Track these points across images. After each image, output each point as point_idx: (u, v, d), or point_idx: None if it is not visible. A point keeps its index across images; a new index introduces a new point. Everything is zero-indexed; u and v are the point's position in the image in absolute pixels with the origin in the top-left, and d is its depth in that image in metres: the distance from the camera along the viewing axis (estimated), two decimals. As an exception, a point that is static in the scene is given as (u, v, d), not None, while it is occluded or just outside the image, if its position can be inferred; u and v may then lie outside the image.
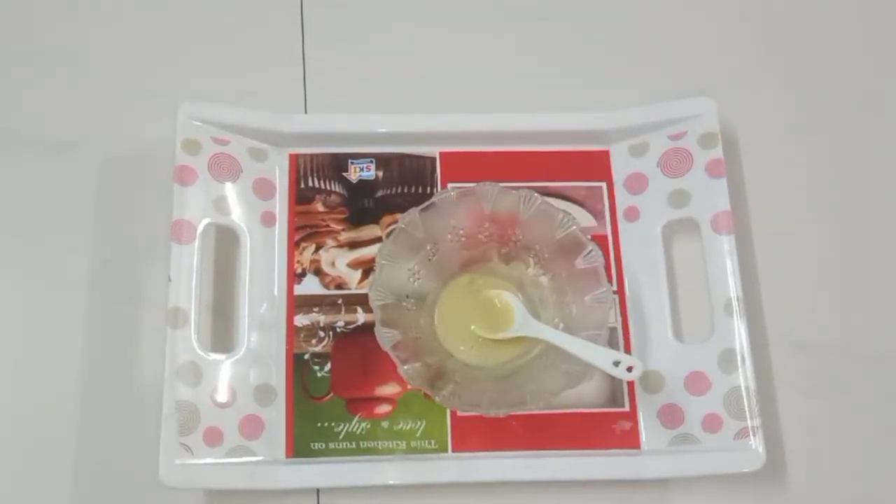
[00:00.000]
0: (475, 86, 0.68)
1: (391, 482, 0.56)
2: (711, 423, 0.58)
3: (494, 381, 0.57)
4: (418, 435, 0.58)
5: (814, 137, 0.68)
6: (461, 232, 0.59)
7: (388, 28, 0.70)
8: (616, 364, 0.54)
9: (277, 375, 0.59)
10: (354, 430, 0.58)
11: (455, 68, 0.69)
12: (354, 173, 0.64)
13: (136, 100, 0.67)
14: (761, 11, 0.71)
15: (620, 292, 0.62)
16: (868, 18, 0.71)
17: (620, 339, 0.61)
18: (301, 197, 0.63)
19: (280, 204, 0.63)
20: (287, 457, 0.58)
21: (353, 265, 0.62)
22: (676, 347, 0.60)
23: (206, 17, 0.70)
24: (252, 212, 0.62)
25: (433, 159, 0.64)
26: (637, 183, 0.64)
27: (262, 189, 0.62)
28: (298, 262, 0.62)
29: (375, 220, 0.63)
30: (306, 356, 0.60)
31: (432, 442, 0.58)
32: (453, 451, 0.58)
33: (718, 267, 0.60)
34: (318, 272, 0.61)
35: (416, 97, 0.67)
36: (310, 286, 0.61)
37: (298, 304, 0.61)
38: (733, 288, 0.59)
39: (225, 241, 0.62)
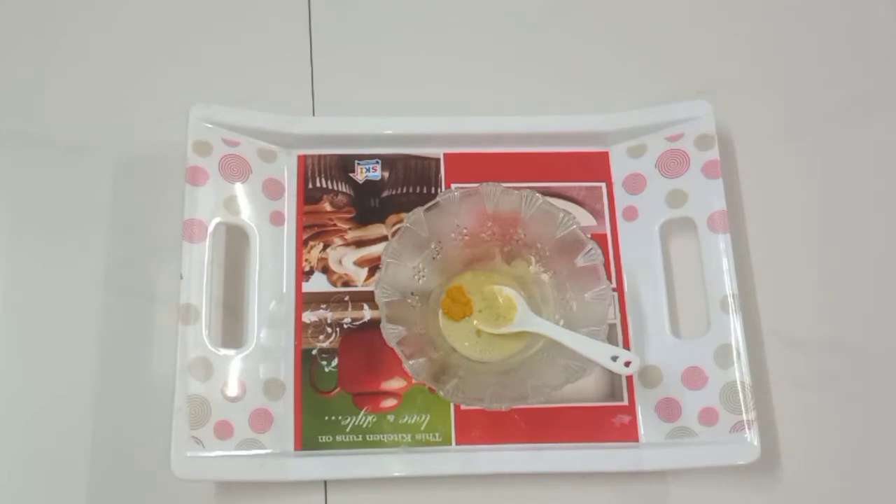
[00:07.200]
0: (479, 89, 0.69)
1: (397, 474, 0.57)
2: (708, 417, 0.58)
3: (497, 376, 0.58)
4: (423, 428, 0.59)
5: (806, 139, 0.68)
6: (464, 231, 0.60)
7: (393, 33, 0.71)
8: (614, 359, 0.54)
9: (286, 370, 0.60)
10: (361, 423, 0.59)
11: (459, 72, 0.69)
12: (361, 174, 0.64)
13: (148, 102, 0.67)
14: (756, 17, 0.72)
15: (619, 289, 0.62)
16: (859, 22, 0.72)
17: (619, 334, 0.61)
18: (309, 197, 0.64)
19: (289, 204, 0.63)
20: (295, 449, 0.58)
21: (360, 263, 0.63)
22: (673, 343, 0.61)
23: (216, 21, 0.70)
24: (261, 211, 0.62)
25: (437, 160, 0.65)
26: (635, 183, 0.64)
27: (272, 189, 0.63)
28: (306, 260, 0.62)
29: (381, 220, 0.63)
30: (314, 352, 0.60)
31: (437, 435, 0.59)
32: (457, 443, 0.59)
33: (714, 265, 0.60)
34: (326, 270, 0.62)
35: (421, 100, 0.68)
36: (317, 283, 0.62)
37: (306, 300, 0.61)
38: (729, 285, 0.60)
39: (235, 240, 0.63)
